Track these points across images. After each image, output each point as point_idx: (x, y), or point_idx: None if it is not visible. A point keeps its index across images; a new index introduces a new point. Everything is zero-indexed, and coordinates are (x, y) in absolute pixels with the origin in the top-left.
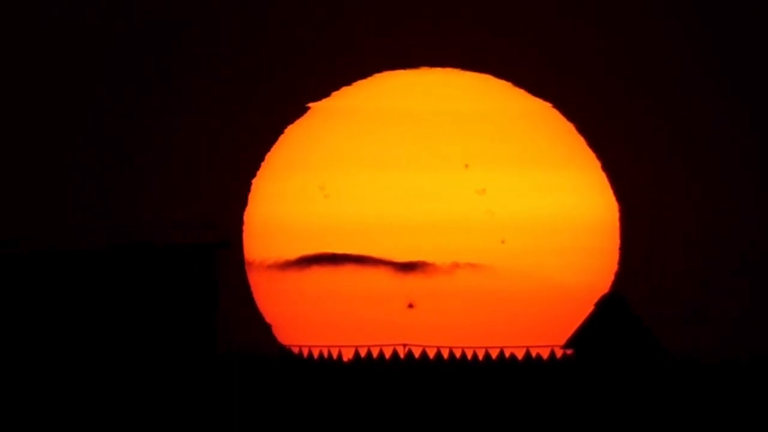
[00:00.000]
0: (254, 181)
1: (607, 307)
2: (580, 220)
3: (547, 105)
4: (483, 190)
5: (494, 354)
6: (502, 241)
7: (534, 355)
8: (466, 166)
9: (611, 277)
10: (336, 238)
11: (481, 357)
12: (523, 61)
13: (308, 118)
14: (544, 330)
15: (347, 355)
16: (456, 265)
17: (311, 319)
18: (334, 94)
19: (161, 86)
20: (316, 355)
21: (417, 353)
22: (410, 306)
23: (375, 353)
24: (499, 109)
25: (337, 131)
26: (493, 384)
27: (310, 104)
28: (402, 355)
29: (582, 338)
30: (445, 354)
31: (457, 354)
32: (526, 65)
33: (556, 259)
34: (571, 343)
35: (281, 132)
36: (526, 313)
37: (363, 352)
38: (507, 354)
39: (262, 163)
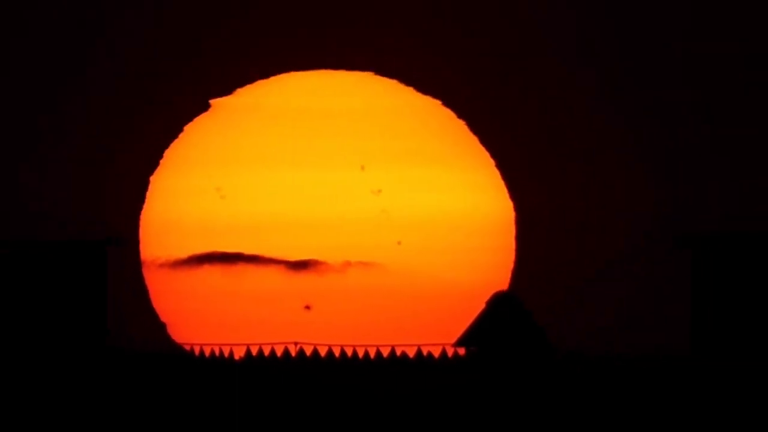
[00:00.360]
0: (152, 178)
1: (498, 305)
2: (474, 219)
3: (437, 102)
4: (379, 191)
5: (385, 352)
6: (398, 243)
7: (425, 353)
8: (362, 167)
9: (506, 276)
10: (229, 236)
11: (372, 355)
12: (410, 59)
13: (209, 115)
14: (437, 328)
15: (239, 353)
16: (348, 264)
17: (204, 317)
18: (237, 91)
19: (58, 78)
20: (207, 353)
21: (308, 351)
22: (307, 308)
23: (267, 351)
24: (393, 107)
25: (237, 129)
26: (385, 382)
27: (212, 101)
28: (293, 354)
29: (472, 336)
30: (337, 352)
31: (349, 352)
32: (413, 64)
33: (448, 257)
34: (461, 341)
35: (181, 129)
36: (418, 311)
37: (254, 351)
38: (398, 352)
39: (161, 160)
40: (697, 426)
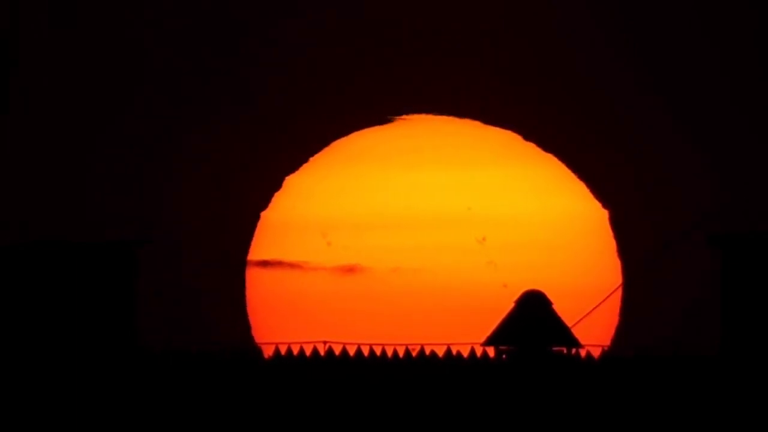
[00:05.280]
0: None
1: (526, 304)
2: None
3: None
4: (483, 239)
5: (414, 351)
6: (504, 285)
7: (454, 352)
8: (469, 208)
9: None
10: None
11: (401, 354)
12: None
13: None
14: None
15: (267, 352)
16: (396, 270)
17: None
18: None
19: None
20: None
21: (337, 350)
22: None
23: (296, 350)
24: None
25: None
26: (413, 381)
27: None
28: (322, 353)
29: (501, 336)
30: (365, 351)
31: (377, 351)
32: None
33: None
34: (490, 340)
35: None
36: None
37: (283, 349)
38: (427, 351)
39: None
40: (723, 427)
